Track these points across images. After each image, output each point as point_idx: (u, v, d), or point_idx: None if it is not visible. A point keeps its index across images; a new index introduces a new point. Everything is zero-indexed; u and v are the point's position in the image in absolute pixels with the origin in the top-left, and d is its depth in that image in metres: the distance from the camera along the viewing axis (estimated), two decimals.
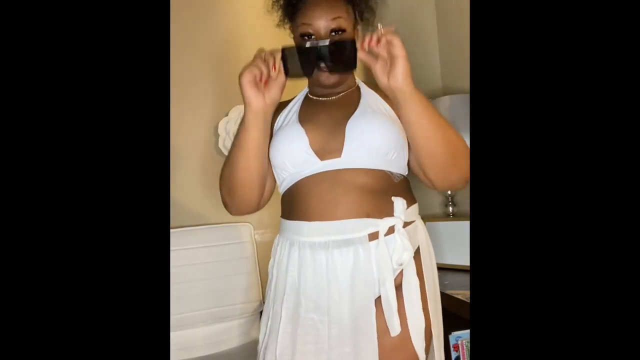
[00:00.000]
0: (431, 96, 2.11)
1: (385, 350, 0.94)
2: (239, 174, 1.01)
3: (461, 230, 1.81)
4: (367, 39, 0.89)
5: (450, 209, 2.03)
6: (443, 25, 2.28)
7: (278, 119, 1.09)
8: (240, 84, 0.94)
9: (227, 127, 2.05)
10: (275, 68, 0.94)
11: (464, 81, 2.10)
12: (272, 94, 0.96)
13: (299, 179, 1.01)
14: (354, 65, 0.93)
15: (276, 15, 1.10)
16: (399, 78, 0.87)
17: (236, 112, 2.06)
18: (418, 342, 0.95)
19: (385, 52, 0.88)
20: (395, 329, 0.93)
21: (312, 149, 0.99)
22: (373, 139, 0.96)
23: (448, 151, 0.96)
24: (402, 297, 0.96)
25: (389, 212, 0.98)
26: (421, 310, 0.96)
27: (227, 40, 2.09)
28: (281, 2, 1.08)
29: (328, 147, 0.99)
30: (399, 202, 0.98)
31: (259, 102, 0.94)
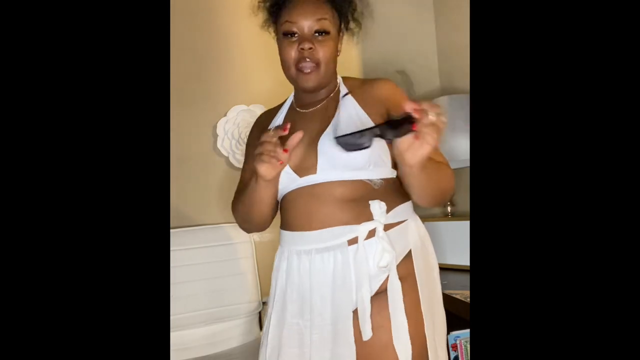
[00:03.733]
0: (430, 96, 2.11)
1: (375, 349, 0.93)
2: (255, 218, 1.09)
3: (460, 230, 1.81)
4: (428, 110, 0.79)
5: (449, 208, 2.04)
6: (441, 25, 2.28)
7: None
8: (255, 166, 0.94)
9: (226, 127, 2.05)
10: (287, 151, 0.92)
11: (463, 81, 2.11)
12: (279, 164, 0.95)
13: (285, 193, 1.04)
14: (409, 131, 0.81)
15: (261, 17, 1.09)
16: (416, 159, 0.83)
17: (234, 112, 2.06)
18: (401, 348, 0.93)
19: (426, 130, 0.79)
20: (366, 333, 0.92)
21: (291, 167, 1.00)
22: (344, 158, 0.94)
23: (438, 195, 0.99)
24: (387, 301, 0.95)
25: (368, 216, 0.97)
26: (404, 315, 0.94)
27: (225, 40, 2.09)
28: (267, 4, 1.07)
29: (304, 164, 0.99)
30: (375, 206, 0.97)
31: (271, 173, 0.95)
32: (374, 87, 1.06)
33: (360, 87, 1.07)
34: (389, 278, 0.95)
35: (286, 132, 0.92)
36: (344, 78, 1.11)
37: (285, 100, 1.16)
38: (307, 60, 0.99)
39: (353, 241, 0.96)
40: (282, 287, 1.04)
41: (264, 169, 0.93)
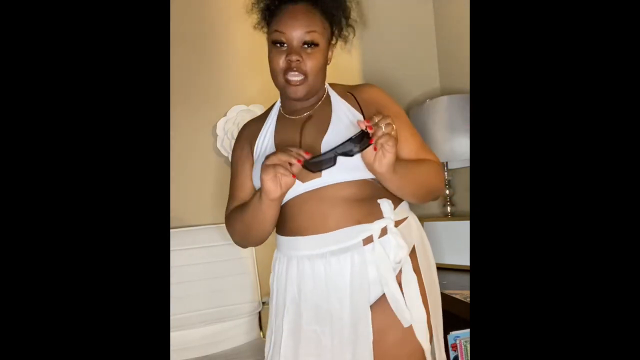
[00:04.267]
0: (429, 96, 2.11)
1: (389, 347, 0.96)
2: (257, 236, 1.07)
3: (459, 230, 1.82)
4: (380, 122, 0.89)
5: (449, 208, 2.04)
6: (441, 25, 2.28)
7: (257, 144, 1.10)
8: (261, 178, 0.93)
9: (226, 127, 2.05)
10: (294, 175, 0.93)
11: (462, 81, 2.11)
12: (287, 181, 0.93)
13: (286, 201, 1.02)
14: (366, 146, 0.91)
15: (254, 18, 1.09)
16: (384, 168, 0.92)
17: (234, 112, 2.06)
18: (421, 334, 0.97)
19: (382, 142, 0.89)
20: (407, 320, 0.96)
21: None
22: (347, 159, 0.94)
23: (423, 190, 1.05)
24: (402, 293, 0.97)
25: (378, 215, 0.99)
26: (421, 303, 0.98)
27: (225, 40, 2.09)
28: (261, 5, 1.07)
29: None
30: (385, 204, 0.99)
31: (277, 191, 0.94)
32: (361, 91, 1.09)
33: (344, 93, 1.08)
34: (403, 272, 0.98)
35: (308, 156, 0.92)
36: (331, 84, 1.11)
37: (270, 108, 1.15)
38: (295, 70, 0.99)
39: (366, 241, 0.97)
40: (293, 296, 1.01)
41: (272, 185, 0.92)
